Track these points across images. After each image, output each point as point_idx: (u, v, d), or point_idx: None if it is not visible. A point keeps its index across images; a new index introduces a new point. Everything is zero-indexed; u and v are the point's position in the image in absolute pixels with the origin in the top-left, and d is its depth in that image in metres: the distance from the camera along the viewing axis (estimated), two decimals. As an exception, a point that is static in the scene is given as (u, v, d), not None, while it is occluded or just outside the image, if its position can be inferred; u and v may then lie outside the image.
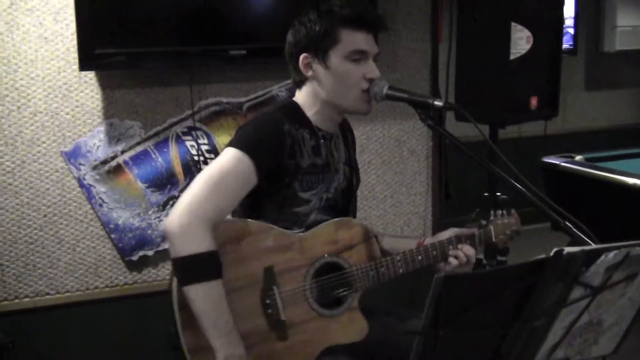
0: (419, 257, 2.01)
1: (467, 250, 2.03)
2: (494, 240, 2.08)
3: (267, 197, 1.97)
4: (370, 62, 1.97)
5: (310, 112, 2.03)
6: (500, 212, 2.12)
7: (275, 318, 1.89)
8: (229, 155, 1.87)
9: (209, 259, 1.78)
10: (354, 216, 2.17)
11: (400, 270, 2.01)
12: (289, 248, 1.93)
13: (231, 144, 1.90)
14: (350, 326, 1.97)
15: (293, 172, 1.94)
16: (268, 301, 1.88)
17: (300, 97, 2.05)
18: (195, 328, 1.80)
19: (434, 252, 2.03)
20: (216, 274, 1.79)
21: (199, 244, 1.77)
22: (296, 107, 2.04)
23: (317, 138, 2.03)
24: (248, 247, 1.89)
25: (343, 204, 2.11)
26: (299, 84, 2.04)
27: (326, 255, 1.97)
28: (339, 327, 1.96)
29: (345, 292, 1.97)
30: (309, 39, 1.97)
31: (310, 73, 1.99)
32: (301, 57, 1.98)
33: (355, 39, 1.94)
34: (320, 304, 1.95)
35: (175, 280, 1.81)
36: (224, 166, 1.85)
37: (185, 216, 1.77)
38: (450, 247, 2.04)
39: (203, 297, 1.78)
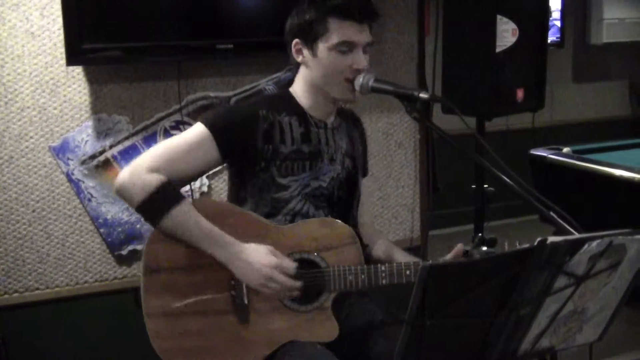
0: (407, 272, 1.96)
1: None
2: None
3: (249, 179, 2.01)
4: (359, 52, 1.98)
5: (303, 98, 2.07)
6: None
7: (239, 300, 1.90)
8: (192, 128, 1.98)
9: (164, 190, 1.87)
10: (356, 209, 2.17)
11: (384, 282, 1.95)
12: (265, 237, 1.94)
13: (199, 118, 1.99)
14: (318, 325, 1.95)
15: (270, 156, 1.98)
16: (233, 282, 1.91)
17: (296, 83, 2.10)
18: (156, 294, 1.88)
19: None
20: (178, 198, 1.87)
21: (149, 183, 1.86)
22: (287, 95, 2.09)
23: (308, 125, 2.05)
24: (226, 228, 1.91)
25: (340, 196, 2.10)
26: (295, 68, 2.10)
27: (303, 251, 1.96)
28: (306, 324, 1.94)
29: (318, 291, 1.95)
30: (299, 26, 2.02)
31: (300, 58, 2.04)
32: (293, 42, 2.04)
33: (342, 30, 1.96)
34: (290, 297, 1.94)
35: (145, 246, 1.90)
36: (182, 135, 1.98)
37: (130, 167, 1.91)
38: None
39: (179, 222, 1.87)
